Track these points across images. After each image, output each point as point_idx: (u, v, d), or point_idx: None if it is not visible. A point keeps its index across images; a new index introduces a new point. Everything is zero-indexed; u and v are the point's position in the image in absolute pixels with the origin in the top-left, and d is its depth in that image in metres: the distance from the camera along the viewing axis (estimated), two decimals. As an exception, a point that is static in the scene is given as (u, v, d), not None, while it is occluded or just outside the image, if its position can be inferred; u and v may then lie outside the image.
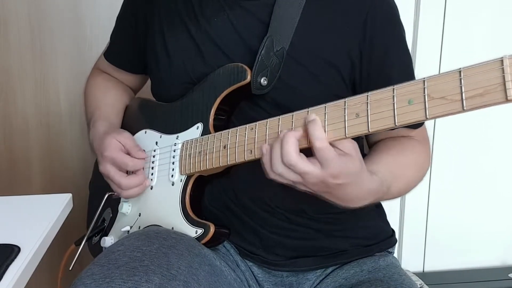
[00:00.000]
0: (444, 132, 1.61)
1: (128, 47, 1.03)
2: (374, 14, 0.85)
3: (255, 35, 0.85)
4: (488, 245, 1.72)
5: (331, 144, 0.67)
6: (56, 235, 0.81)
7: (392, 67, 0.87)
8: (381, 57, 0.86)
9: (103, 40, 1.12)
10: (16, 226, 0.81)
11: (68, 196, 0.91)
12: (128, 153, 0.92)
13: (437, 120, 1.60)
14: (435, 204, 1.68)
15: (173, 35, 0.92)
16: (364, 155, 0.80)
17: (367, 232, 0.94)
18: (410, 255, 1.70)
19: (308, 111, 0.70)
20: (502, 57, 0.54)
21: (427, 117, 0.59)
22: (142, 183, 0.92)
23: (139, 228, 0.92)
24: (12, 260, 0.68)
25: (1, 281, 0.64)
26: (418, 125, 0.90)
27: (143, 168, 0.93)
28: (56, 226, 0.82)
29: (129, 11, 1.01)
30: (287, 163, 0.68)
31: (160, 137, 0.94)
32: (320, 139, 0.66)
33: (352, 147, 0.69)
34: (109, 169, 0.91)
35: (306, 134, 0.68)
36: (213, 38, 0.89)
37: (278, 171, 0.69)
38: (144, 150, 0.94)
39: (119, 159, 0.90)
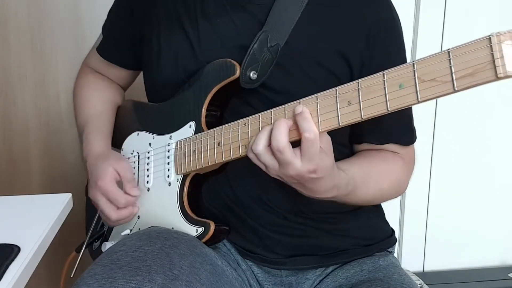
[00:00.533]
0: (444, 132, 1.61)
1: (123, 43, 1.01)
2: (378, 27, 0.85)
3: (254, 35, 0.84)
4: (488, 244, 1.72)
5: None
6: (56, 235, 0.81)
7: None
8: (381, 66, 0.86)
9: (103, 40, 1.11)
10: (16, 226, 0.81)
11: (68, 196, 0.91)
12: (121, 182, 0.90)
13: (437, 120, 1.60)
14: (435, 204, 1.68)
15: (169, 35, 0.92)
16: None
17: (366, 231, 0.94)
18: (410, 255, 1.70)
19: (300, 101, 0.70)
20: (489, 35, 0.53)
21: (419, 100, 0.59)
22: (131, 215, 0.91)
23: (139, 230, 0.92)
24: (12, 260, 0.68)
25: (1, 281, 0.63)
26: (408, 142, 0.91)
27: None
28: (56, 226, 0.82)
29: (126, 7, 0.99)
30: (276, 147, 0.68)
31: (153, 138, 0.94)
32: (308, 131, 0.67)
33: (328, 143, 0.71)
34: (99, 199, 0.89)
35: (296, 127, 0.69)
36: (212, 38, 0.88)
37: (257, 151, 0.71)
38: (137, 187, 0.92)
39: (112, 194, 0.88)
